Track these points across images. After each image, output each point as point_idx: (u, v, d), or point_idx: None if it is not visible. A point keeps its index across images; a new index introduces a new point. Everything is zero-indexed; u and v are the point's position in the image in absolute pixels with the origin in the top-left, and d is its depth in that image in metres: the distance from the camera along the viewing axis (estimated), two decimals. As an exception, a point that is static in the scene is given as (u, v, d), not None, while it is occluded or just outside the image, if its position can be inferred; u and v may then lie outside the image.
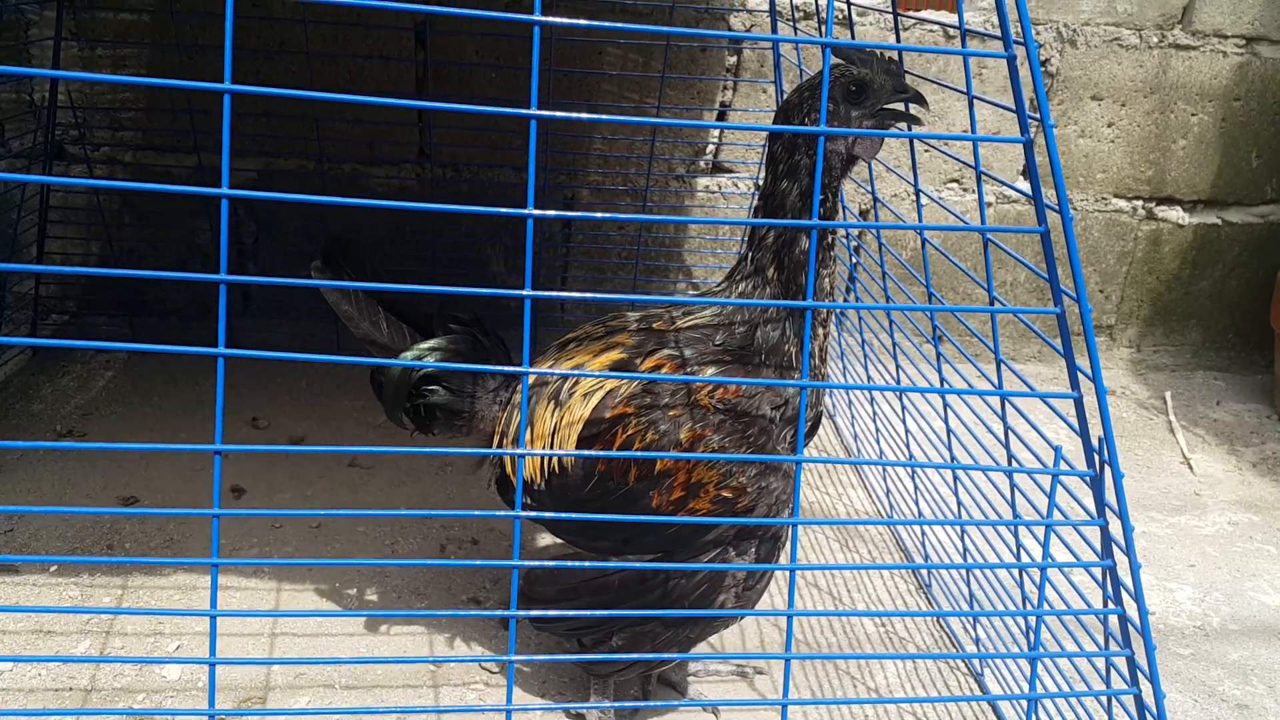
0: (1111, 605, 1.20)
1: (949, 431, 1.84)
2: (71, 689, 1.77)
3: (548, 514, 1.51)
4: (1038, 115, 1.11)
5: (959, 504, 1.88)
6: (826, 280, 1.55)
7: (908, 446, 2.18)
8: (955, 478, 1.86)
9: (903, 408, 2.19)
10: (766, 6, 2.62)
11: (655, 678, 1.87)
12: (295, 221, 3.07)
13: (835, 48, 1.55)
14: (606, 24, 1.00)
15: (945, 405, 1.84)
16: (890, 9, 1.84)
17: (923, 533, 2.24)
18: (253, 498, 2.38)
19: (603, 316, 1.68)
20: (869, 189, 2.37)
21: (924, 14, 3.19)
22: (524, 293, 1.05)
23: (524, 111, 1.01)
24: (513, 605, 1.08)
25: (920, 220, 1.68)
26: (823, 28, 2.89)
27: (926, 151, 3.09)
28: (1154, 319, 3.54)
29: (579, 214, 1.00)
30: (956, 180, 3.28)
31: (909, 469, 2.17)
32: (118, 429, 2.61)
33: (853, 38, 2.71)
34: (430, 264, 2.99)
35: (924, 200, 3.17)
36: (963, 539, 1.94)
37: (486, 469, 1.80)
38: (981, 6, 3.11)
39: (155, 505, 2.31)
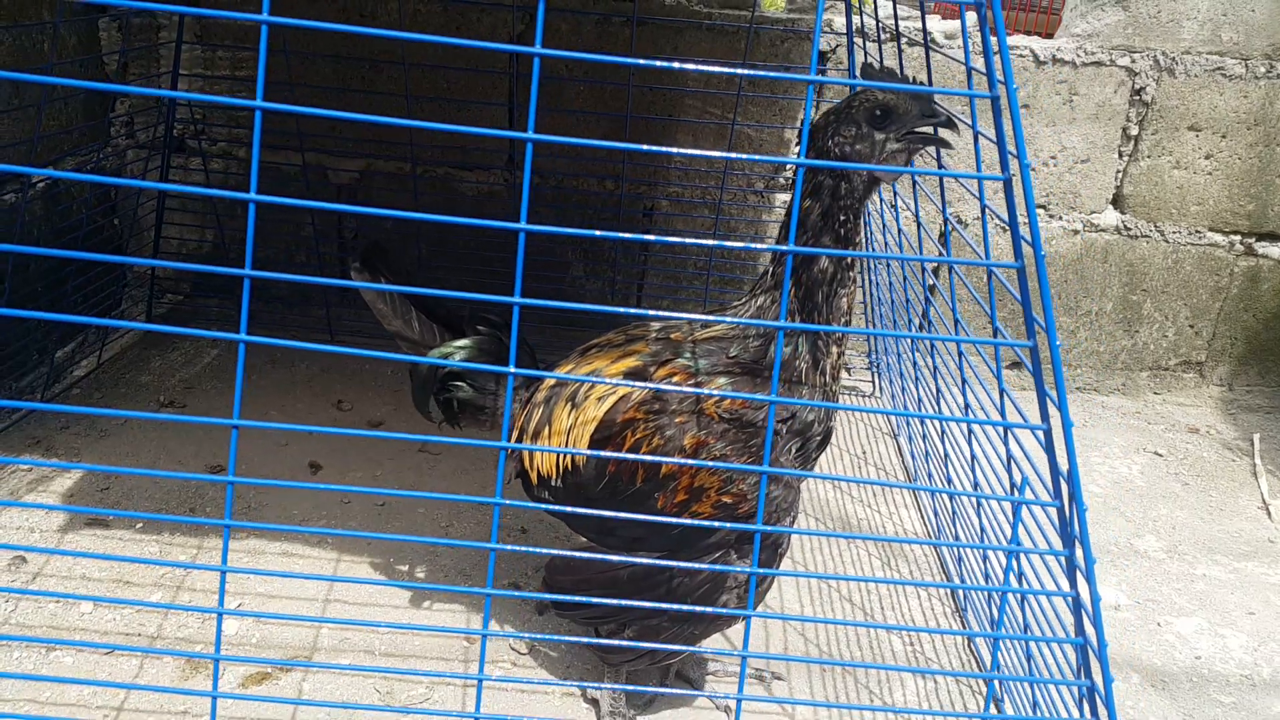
0: (1075, 635, 1.23)
1: (972, 457, 1.86)
2: (140, 635, 1.96)
3: (526, 503, 1.61)
4: (1015, 151, 1.15)
5: (981, 529, 1.89)
6: (845, 300, 1.58)
7: (946, 468, 2.20)
8: (978, 503, 1.88)
9: (941, 432, 2.21)
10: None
11: (673, 672, 1.95)
12: (391, 218, 3.25)
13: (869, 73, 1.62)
14: (594, 56, 1.08)
15: (969, 431, 1.86)
16: (923, 42, 1.88)
17: (959, 554, 2.26)
18: (328, 473, 2.55)
19: (626, 325, 1.76)
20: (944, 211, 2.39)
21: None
22: (513, 299, 1.15)
23: (520, 134, 1.11)
24: (488, 584, 1.18)
25: (948, 252, 1.71)
26: (897, 52, 2.91)
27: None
28: (1248, 358, 3.41)
29: (570, 230, 1.09)
30: (1043, 206, 3.24)
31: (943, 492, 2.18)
32: (215, 403, 2.83)
33: (897, 65, 2.73)
34: (513, 265, 3.11)
35: (992, 227, 3.15)
36: (984, 563, 1.96)
37: (509, 464, 1.91)
38: (1077, 33, 3.07)
39: (239, 475, 2.51)
